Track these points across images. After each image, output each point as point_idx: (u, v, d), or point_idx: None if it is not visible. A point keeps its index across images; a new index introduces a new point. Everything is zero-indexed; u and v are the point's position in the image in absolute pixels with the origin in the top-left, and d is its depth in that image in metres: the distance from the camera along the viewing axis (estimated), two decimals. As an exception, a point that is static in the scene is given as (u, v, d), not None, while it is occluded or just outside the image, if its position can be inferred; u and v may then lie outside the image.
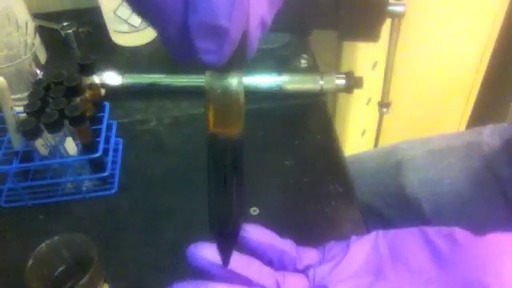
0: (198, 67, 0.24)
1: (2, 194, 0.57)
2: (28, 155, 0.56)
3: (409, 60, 1.03)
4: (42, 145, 0.53)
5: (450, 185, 0.62)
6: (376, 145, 1.16)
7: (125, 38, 0.80)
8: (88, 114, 0.54)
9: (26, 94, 0.57)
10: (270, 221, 0.52)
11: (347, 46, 1.01)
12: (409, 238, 0.36)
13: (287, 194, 0.56)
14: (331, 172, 0.58)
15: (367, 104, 1.11)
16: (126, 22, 0.77)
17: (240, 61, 0.24)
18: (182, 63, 0.25)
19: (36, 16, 0.82)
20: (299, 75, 0.68)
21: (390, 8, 0.65)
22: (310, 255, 0.37)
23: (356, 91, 0.67)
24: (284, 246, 0.36)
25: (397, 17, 0.69)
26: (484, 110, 1.21)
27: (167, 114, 0.68)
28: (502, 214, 0.58)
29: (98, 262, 0.41)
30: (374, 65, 1.04)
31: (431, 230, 0.35)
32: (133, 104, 0.70)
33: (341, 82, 0.66)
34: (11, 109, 0.54)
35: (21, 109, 0.53)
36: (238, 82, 0.25)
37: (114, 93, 0.68)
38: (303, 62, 0.74)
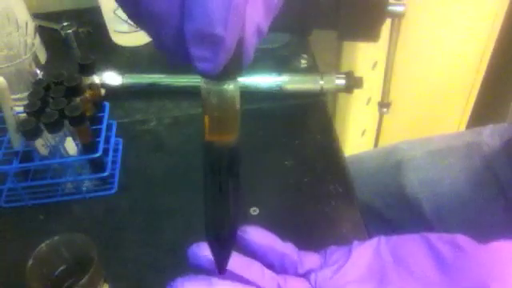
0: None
1: (2, 194, 0.57)
2: (28, 155, 0.56)
3: (409, 60, 1.03)
4: (41, 145, 0.53)
5: (449, 185, 0.62)
6: (376, 145, 1.16)
7: (125, 38, 0.80)
8: (88, 114, 0.54)
9: (25, 94, 0.57)
10: (270, 221, 0.53)
11: (347, 46, 1.01)
12: (411, 243, 0.35)
13: (287, 194, 0.56)
14: (331, 172, 0.58)
15: (367, 104, 1.11)
16: (126, 22, 0.77)
17: (236, 68, 0.24)
18: (177, 66, 0.25)
19: (36, 16, 0.82)
20: (299, 75, 0.68)
21: (390, 8, 0.65)
22: (311, 259, 0.37)
23: (356, 91, 0.67)
24: (285, 249, 0.36)
25: (397, 17, 0.69)
26: (484, 110, 1.21)
27: (167, 114, 0.68)
28: (501, 214, 0.58)
29: (98, 262, 0.41)
30: (374, 65, 1.04)
31: (434, 237, 0.35)
32: (133, 104, 0.70)
33: (341, 82, 0.66)
34: (11, 109, 0.54)
35: (21, 109, 0.53)
36: (234, 89, 0.25)
37: (114, 93, 0.68)
38: (303, 62, 0.74)
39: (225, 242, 0.32)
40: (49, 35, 0.81)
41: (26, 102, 0.53)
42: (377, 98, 0.95)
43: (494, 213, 0.59)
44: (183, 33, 0.21)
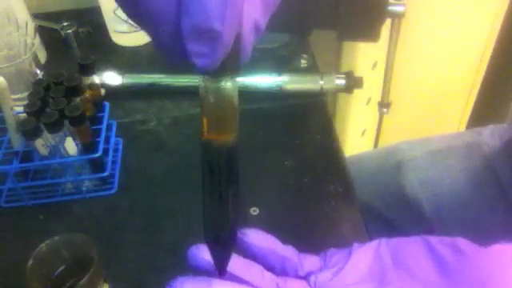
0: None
1: (2, 194, 0.57)
2: (28, 155, 0.56)
3: (409, 60, 1.03)
4: (42, 145, 0.53)
5: (450, 185, 0.62)
6: (376, 145, 1.16)
7: (125, 38, 0.80)
8: (88, 113, 0.54)
9: (26, 94, 0.57)
10: (270, 221, 0.53)
11: (347, 46, 1.01)
12: (412, 246, 0.35)
13: (287, 194, 0.56)
14: (331, 172, 0.58)
15: (367, 104, 1.11)
16: (126, 22, 0.77)
17: (234, 65, 0.24)
18: (176, 66, 0.25)
19: (36, 16, 0.82)
20: (299, 75, 0.68)
21: (390, 8, 0.65)
22: (311, 262, 0.37)
23: (356, 91, 0.67)
24: (285, 251, 0.36)
25: (397, 17, 0.69)
26: (484, 110, 1.21)
27: (167, 114, 0.68)
28: (501, 214, 0.58)
29: (98, 262, 0.41)
30: (374, 65, 1.04)
31: (434, 239, 0.35)
32: (133, 104, 0.70)
33: (341, 82, 0.66)
34: (11, 109, 0.54)
35: (21, 109, 0.53)
36: (232, 87, 0.25)
37: (114, 93, 0.68)
38: (303, 62, 0.74)
39: (224, 243, 0.31)
40: (49, 35, 0.81)
41: (25, 102, 0.53)
42: (377, 98, 0.95)
43: (494, 213, 0.59)
44: (180, 29, 0.21)
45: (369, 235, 0.52)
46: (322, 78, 0.66)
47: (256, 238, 0.36)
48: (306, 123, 0.66)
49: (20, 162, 0.55)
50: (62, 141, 0.53)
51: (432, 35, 1.03)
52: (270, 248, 0.36)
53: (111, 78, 0.68)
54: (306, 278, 0.36)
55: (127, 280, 0.49)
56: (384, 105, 0.94)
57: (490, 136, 0.62)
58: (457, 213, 0.61)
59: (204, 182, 0.29)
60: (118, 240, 0.53)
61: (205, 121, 0.26)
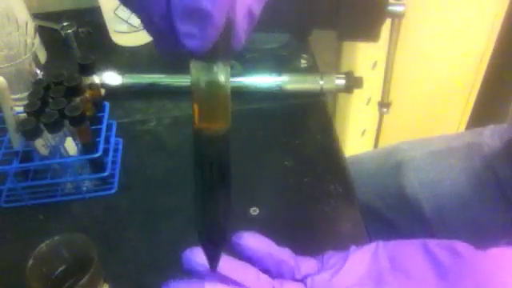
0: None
1: (1, 194, 0.57)
2: (28, 155, 0.56)
3: (409, 60, 1.03)
4: (42, 145, 0.53)
5: (450, 185, 0.62)
6: (376, 145, 1.16)
7: (125, 38, 0.80)
8: (88, 113, 0.54)
9: (26, 94, 0.57)
10: (270, 221, 0.53)
11: (347, 46, 1.01)
12: (410, 249, 0.35)
13: (287, 194, 0.56)
14: (331, 172, 0.58)
15: (367, 104, 1.11)
16: (126, 22, 0.77)
17: (226, 51, 0.23)
18: (169, 55, 0.24)
19: (36, 16, 0.82)
20: (299, 75, 0.68)
21: (390, 8, 0.65)
22: (308, 264, 0.36)
23: (356, 91, 0.67)
24: (282, 254, 0.36)
25: (397, 17, 0.69)
26: (484, 110, 1.21)
27: (167, 114, 0.68)
28: (502, 214, 0.58)
29: (98, 262, 0.41)
30: (374, 65, 1.04)
31: (432, 242, 0.35)
32: (133, 104, 0.70)
33: (341, 82, 0.66)
34: (11, 109, 0.54)
35: (21, 109, 0.53)
36: (225, 73, 0.24)
37: (113, 93, 0.68)
38: (303, 62, 0.74)
39: (216, 237, 0.31)
40: (49, 35, 0.81)
41: (25, 102, 0.53)
42: (377, 97, 0.95)
43: (495, 213, 0.59)
44: (170, 9, 0.21)
45: (369, 235, 0.52)
46: (322, 78, 0.66)
47: (251, 240, 0.35)
48: (306, 123, 0.66)
49: (20, 162, 0.55)
50: (62, 141, 0.53)
51: (432, 35, 1.03)
52: (266, 251, 0.35)
53: (111, 77, 0.68)
54: (302, 281, 0.36)
55: (127, 280, 0.49)
56: (384, 105, 0.94)
57: (490, 136, 0.62)
58: (457, 213, 0.61)
59: (195, 174, 0.28)
60: (118, 240, 0.53)
61: (196, 108, 0.25)
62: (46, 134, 0.52)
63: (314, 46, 0.77)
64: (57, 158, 0.54)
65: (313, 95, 0.67)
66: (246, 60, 0.74)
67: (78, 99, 0.55)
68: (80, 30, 0.80)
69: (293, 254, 0.37)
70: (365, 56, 1.02)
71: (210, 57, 0.23)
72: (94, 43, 0.81)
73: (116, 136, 0.60)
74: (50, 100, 0.53)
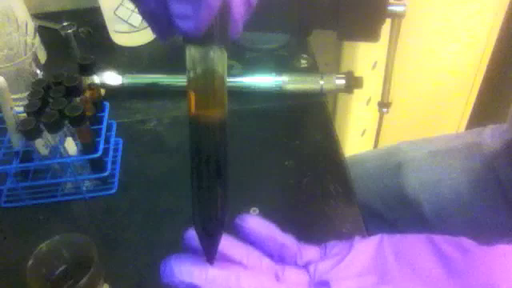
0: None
1: (1, 194, 0.57)
2: (28, 155, 0.56)
3: (409, 60, 1.03)
4: (42, 145, 0.53)
5: (450, 186, 0.62)
6: (376, 145, 1.16)
7: (125, 38, 0.80)
8: (88, 114, 0.54)
9: (26, 93, 0.57)
10: (270, 221, 0.53)
11: (347, 46, 1.01)
12: (415, 243, 0.35)
13: (287, 194, 0.56)
14: (331, 172, 0.58)
15: (367, 104, 1.11)
16: (126, 22, 0.77)
17: (222, 37, 0.23)
18: (165, 40, 0.24)
19: (36, 16, 0.82)
20: (299, 75, 0.68)
21: (390, 8, 0.65)
22: (311, 252, 0.36)
23: (356, 91, 0.67)
24: (285, 239, 0.35)
25: (397, 17, 0.68)
26: (484, 110, 1.21)
27: (167, 114, 0.68)
28: (502, 214, 0.58)
29: (98, 262, 0.41)
30: (374, 65, 1.04)
31: (438, 237, 0.34)
32: (133, 104, 0.70)
33: (341, 82, 0.66)
34: (11, 109, 0.54)
35: (21, 109, 0.53)
36: (221, 58, 0.24)
37: (113, 93, 0.68)
38: (303, 62, 0.74)
39: (212, 226, 0.31)
40: (49, 35, 0.81)
41: (26, 102, 0.53)
42: (377, 97, 0.95)
43: (495, 214, 0.59)
44: None
45: (369, 235, 0.51)
46: (322, 78, 0.66)
47: (255, 224, 0.35)
48: (306, 123, 0.66)
49: (20, 162, 0.55)
50: (62, 141, 0.53)
51: (432, 35, 1.03)
52: (269, 235, 0.35)
53: (111, 77, 0.68)
54: (305, 267, 0.35)
55: (127, 280, 0.49)
56: (384, 105, 0.93)
57: (490, 136, 0.62)
58: (457, 213, 0.61)
59: (192, 164, 0.28)
60: (118, 240, 0.53)
61: (192, 95, 0.25)
62: (46, 134, 0.52)
63: (314, 46, 0.77)
64: (57, 158, 0.54)
65: (313, 95, 0.67)
66: (246, 60, 0.74)
67: (77, 99, 0.55)
68: (80, 30, 0.80)
69: (295, 240, 0.36)
70: (365, 56, 1.02)
71: (205, 41, 0.23)
72: (94, 43, 0.81)
73: (116, 136, 0.60)
74: (50, 100, 0.53)
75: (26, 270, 0.41)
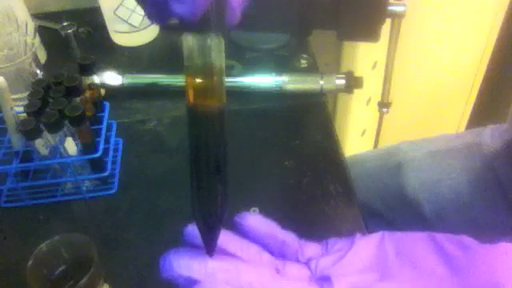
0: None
1: (1, 194, 0.57)
2: (28, 155, 0.56)
3: (409, 60, 1.03)
4: (42, 145, 0.53)
5: (450, 186, 0.62)
6: (376, 145, 1.16)
7: (125, 38, 0.80)
8: (88, 114, 0.54)
9: (26, 93, 0.57)
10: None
11: (347, 46, 1.01)
12: (416, 240, 0.35)
13: (287, 193, 0.56)
14: (331, 172, 0.58)
15: (367, 104, 1.11)
16: (126, 22, 0.77)
17: (219, 24, 0.23)
18: (162, 25, 0.24)
19: (36, 16, 0.82)
20: (299, 75, 0.68)
21: (390, 8, 0.65)
22: (312, 248, 0.36)
23: (356, 91, 0.67)
24: (285, 237, 0.35)
25: (397, 17, 0.68)
26: (484, 110, 1.21)
27: (167, 114, 0.68)
28: (502, 214, 0.58)
29: (98, 262, 0.41)
30: (374, 65, 1.04)
31: (439, 235, 0.34)
32: (133, 104, 0.70)
33: (341, 81, 0.66)
34: (11, 109, 0.54)
35: (21, 109, 0.53)
36: (218, 46, 0.23)
37: (113, 93, 0.68)
38: (303, 62, 0.74)
39: (212, 218, 0.30)
40: (49, 35, 0.81)
41: (26, 102, 0.53)
42: (377, 97, 0.95)
43: (495, 214, 0.59)
44: None
45: (369, 235, 0.51)
46: (322, 78, 0.66)
47: (254, 221, 0.35)
48: (306, 123, 0.66)
49: (20, 162, 0.55)
50: (62, 141, 0.53)
51: (432, 35, 1.03)
52: (269, 232, 0.35)
53: (111, 77, 0.68)
54: (306, 263, 0.35)
55: (127, 280, 0.49)
56: (384, 105, 0.93)
57: (490, 136, 0.62)
58: (457, 213, 0.61)
59: (191, 156, 0.27)
60: (118, 240, 0.53)
61: (189, 84, 0.25)
62: (46, 134, 0.52)
63: (314, 46, 0.77)
64: (57, 158, 0.54)
65: (313, 95, 0.67)
66: (246, 60, 0.74)
67: (77, 99, 0.55)
68: (80, 30, 0.80)
69: (296, 237, 0.36)
70: (365, 56, 1.02)
71: (202, 28, 0.22)
72: (94, 43, 0.81)
73: (116, 136, 0.60)
74: (50, 100, 0.53)
75: (26, 269, 0.41)
